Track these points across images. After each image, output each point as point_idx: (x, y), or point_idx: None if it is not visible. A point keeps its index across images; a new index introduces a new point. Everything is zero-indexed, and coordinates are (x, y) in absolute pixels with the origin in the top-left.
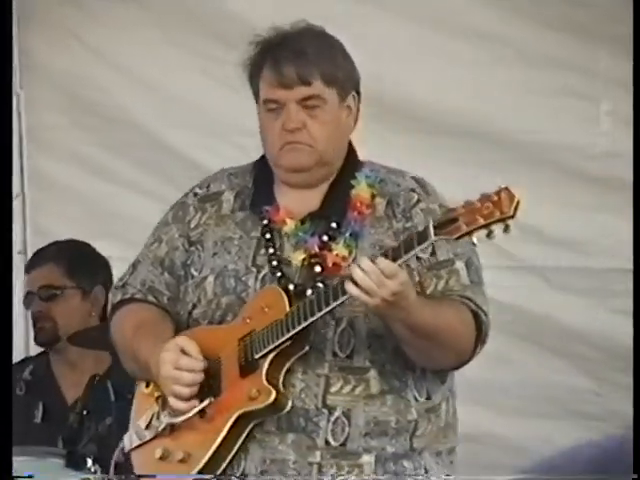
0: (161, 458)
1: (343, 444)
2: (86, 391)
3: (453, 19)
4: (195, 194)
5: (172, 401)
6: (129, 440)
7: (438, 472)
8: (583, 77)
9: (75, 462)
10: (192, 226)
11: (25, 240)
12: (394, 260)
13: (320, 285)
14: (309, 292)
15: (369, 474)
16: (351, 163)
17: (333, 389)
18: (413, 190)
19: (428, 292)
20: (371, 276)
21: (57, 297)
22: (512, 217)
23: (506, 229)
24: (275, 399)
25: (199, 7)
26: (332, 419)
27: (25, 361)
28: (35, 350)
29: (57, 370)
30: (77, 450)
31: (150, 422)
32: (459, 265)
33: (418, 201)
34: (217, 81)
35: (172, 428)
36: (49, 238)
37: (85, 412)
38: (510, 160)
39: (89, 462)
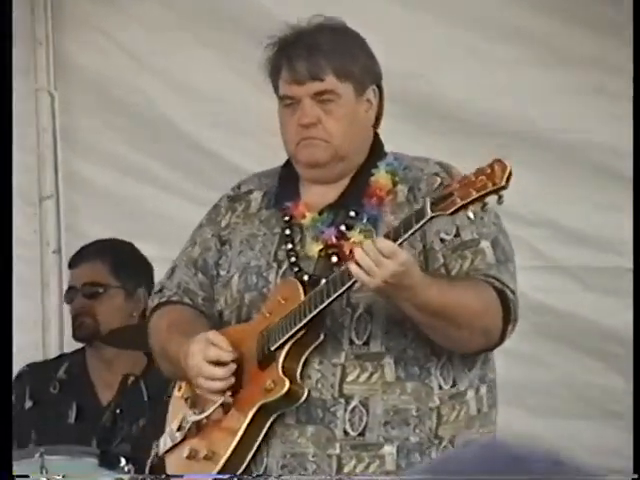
0: (188, 457)
1: (362, 434)
2: (119, 390)
3: (484, 18)
4: (228, 196)
5: (204, 394)
6: (163, 443)
7: None
8: (615, 75)
9: (108, 461)
10: (223, 226)
11: (59, 240)
12: (394, 240)
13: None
14: (323, 282)
15: (391, 466)
16: (375, 156)
17: (349, 378)
18: (437, 174)
19: (453, 273)
20: (370, 255)
21: (101, 295)
22: (504, 188)
23: (499, 200)
24: (289, 389)
25: (230, 5)
26: (349, 408)
27: (61, 358)
28: (69, 348)
29: (92, 369)
30: (110, 449)
31: (181, 424)
32: (484, 244)
33: (441, 185)
34: (249, 80)
35: (198, 427)
36: (83, 238)
37: (118, 411)
38: (541, 159)
39: (122, 461)
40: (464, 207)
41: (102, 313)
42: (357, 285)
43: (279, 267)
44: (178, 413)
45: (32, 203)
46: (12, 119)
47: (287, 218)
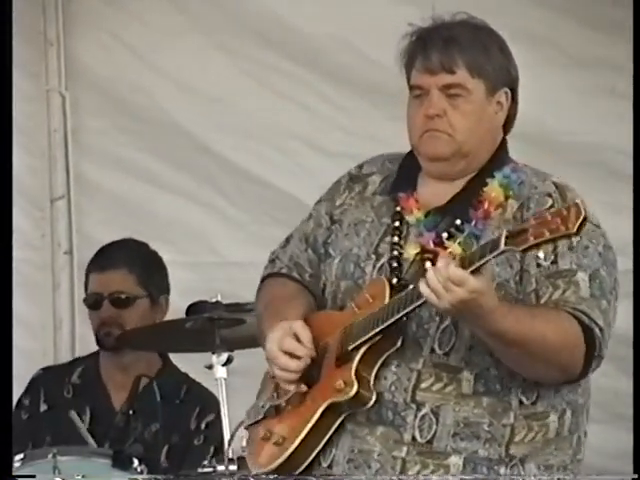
0: (263, 438)
1: (430, 442)
2: (132, 392)
3: (498, 21)
4: (349, 174)
5: (279, 381)
6: (248, 416)
7: None
8: (625, 77)
9: (121, 462)
10: (337, 204)
11: (71, 241)
12: (466, 267)
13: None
14: (409, 288)
15: (455, 475)
16: (496, 161)
17: (424, 385)
18: (549, 195)
19: (542, 301)
20: (439, 279)
21: (128, 305)
22: (576, 234)
23: (570, 246)
24: (357, 393)
25: (241, 10)
26: (420, 415)
27: (75, 362)
28: (81, 348)
29: (106, 373)
30: (123, 450)
31: (265, 403)
32: (580, 276)
33: (551, 207)
34: (260, 84)
35: (277, 410)
36: (91, 241)
37: (131, 412)
38: (555, 161)
39: (135, 462)
40: (536, 246)
41: (129, 322)
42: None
43: (377, 260)
44: (267, 390)
45: (41, 207)
46: (12, 121)
47: (399, 208)
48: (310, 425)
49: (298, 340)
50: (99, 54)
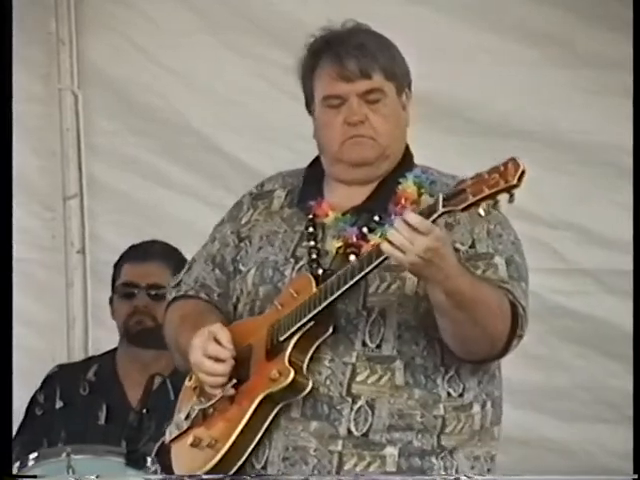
0: (192, 445)
1: (365, 434)
2: (146, 391)
3: (504, 18)
4: (250, 193)
5: (206, 387)
6: (169, 432)
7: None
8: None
9: (135, 461)
10: (243, 222)
11: (84, 240)
12: (428, 217)
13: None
14: (336, 275)
15: (392, 467)
16: (405, 164)
17: (359, 378)
18: None
19: None
20: (403, 233)
21: (164, 298)
22: (516, 186)
23: (511, 198)
24: (293, 379)
25: (253, 10)
26: (355, 408)
27: (90, 359)
28: (94, 346)
29: (122, 370)
30: (137, 449)
31: (189, 413)
32: (498, 260)
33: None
34: (272, 84)
35: (205, 416)
36: (102, 241)
37: (145, 411)
38: (563, 161)
39: (149, 461)
40: (475, 204)
41: (161, 315)
42: (372, 288)
43: (296, 262)
44: (187, 402)
45: (52, 207)
46: (12, 121)
47: (310, 216)
48: (245, 420)
49: (219, 343)
50: (110, 54)
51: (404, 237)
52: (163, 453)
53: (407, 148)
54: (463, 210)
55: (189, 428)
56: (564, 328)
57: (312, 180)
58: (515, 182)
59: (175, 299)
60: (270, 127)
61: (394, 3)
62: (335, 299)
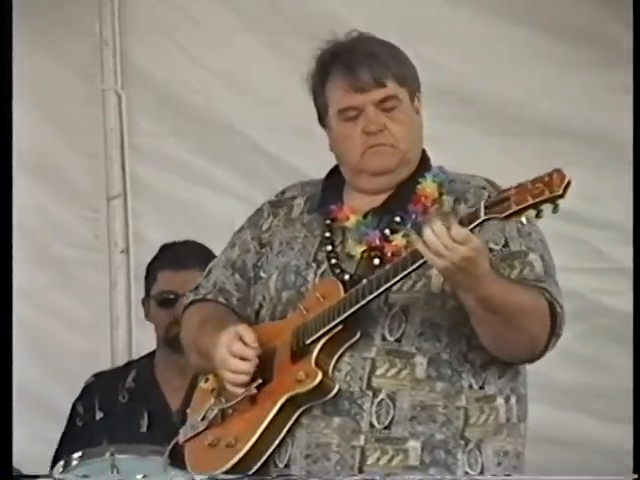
0: (210, 445)
1: (388, 427)
2: (189, 390)
3: (544, 17)
4: (270, 201)
5: (228, 386)
6: (183, 432)
7: (496, 474)
8: None
9: (178, 461)
10: (264, 229)
11: (127, 240)
12: (466, 226)
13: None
14: (365, 280)
15: (415, 461)
16: (423, 167)
17: (378, 372)
18: (483, 188)
19: None
20: (441, 239)
21: None
22: (561, 197)
23: (555, 209)
24: (320, 381)
25: (296, 10)
26: (376, 401)
27: (128, 366)
28: (137, 348)
29: (161, 375)
30: (180, 449)
31: (205, 414)
32: (533, 257)
33: (489, 197)
34: None
35: (223, 417)
36: (145, 241)
37: (188, 410)
38: (602, 160)
39: (169, 452)
40: (518, 212)
41: None
42: (397, 286)
43: (318, 267)
44: (203, 404)
45: (94, 208)
46: (12, 124)
47: (329, 221)
48: (267, 421)
49: (245, 343)
50: (153, 54)
51: (442, 243)
52: (176, 454)
53: (423, 152)
54: (505, 218)
55: (206, 428)
56: (604, 327)
57: (332, 187)
58: (561, 192)
59: (193, 302)
60: (310, 127)
61: (434, 3)
62: (365, 303)
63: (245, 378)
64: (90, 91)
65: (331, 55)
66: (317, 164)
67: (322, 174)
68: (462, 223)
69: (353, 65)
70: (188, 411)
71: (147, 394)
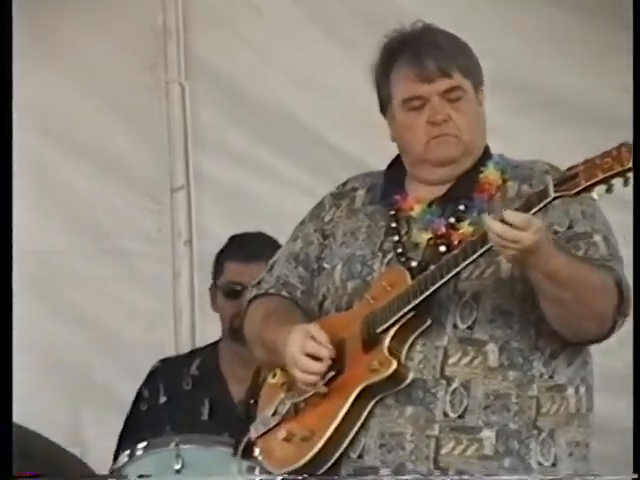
0: (285, 439)
1: (462, 416)
2: (253, 381)
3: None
4: (332, 193)
5: (299, 384)
6: (255, 429)
7: (568, 466)
8: None
9: (242, 451)
10: (326, 220)
11: (190, 231)
12: (526, 211)
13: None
14: (433, 267)
15: (489, 450)
16: (483, 158)
17: (451, 360)
18: (546, 172)
19: None
20: (506, 227)
21: None
22: (631, 170)
23: (626, 182)
24: (395, 370)
25: (361, 1)
26: (450, 390)
27: (193, 353)
28: (201, 339)
29: (225, 365)
30: (243, 439)
31: (276, 409)
32: (597, 239)
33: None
34: None
35: (296, 411)
36: (208, 232)
37: (252, 401)
38: None
39: (256, 451)
40: (588, 188)
41: None
42: (466, 273)
43: (384, 256)
44: (273, 399)
45: (158, 200)
46: (12, 121)
47: (392, 212)
48: (342, 413)
49: (318, 342)
50: (217, 46)
51: (507, 231)
52: (248, 450)
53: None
54: (575, 195)
55: (278, 423)
56: None
57: (393, 178)
58: (630, 165)
59: (256, 297)
60: (375, 119)
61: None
62: (435, 290)
63: (316, 379)
64: (154, 83)
65: (397, 45)
66: (380, 156)
67: (385, 166)
68: (531, 202)
69: (419, 55)
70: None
71: (210, 383)
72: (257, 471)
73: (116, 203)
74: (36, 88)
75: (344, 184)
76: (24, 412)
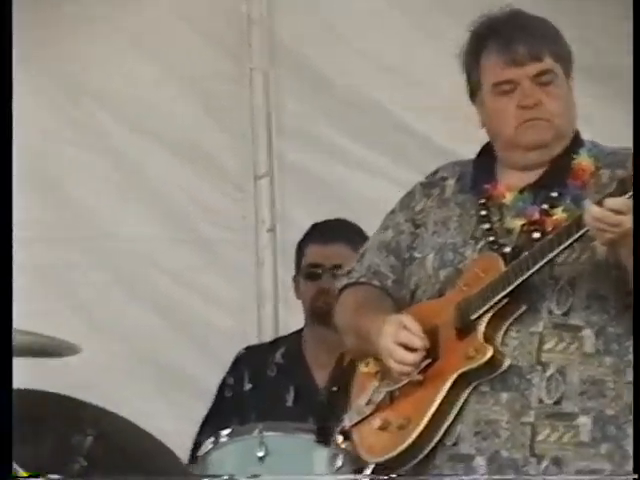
0: (380, 428)
1: (558, 403)
2: (336, 367)
3: None
4: (421, 183)
5: (394, 373)
6: (349, 418)
7: None
8: None
9: (325, 438)
10: (417, 210)
11: (274, 218)
12: (623, 194)
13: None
14: (526, 253)
15: (586, 437)
16: (576, 144)
17: (547, 346)
18: None
19: None
20: (609, 219)
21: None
22: None
23: None
24: (492, 356)
25: None
26: (546, 376)
27: (277, 341)
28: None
29: (309, 352)
30: (327, 426)
31: (370, 398)
32: None
33: None
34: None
35: (391, 399)
36: (291, 220)
37: (335, 388)
38: None
39: (339, 438)
40: None
41: None
42: (561, 258)
43: (476, 244)
44: (366, 388)
45: (242, 188)
46: (12, 120)
47: (483, 200)
48: (438, 400)
49: (411, 333)
50: (301, 34)
51: (608, 216)
52: (344, 438)
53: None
54: None
55: (373, 412)
56: None
57: (483, 166)
58: None
59: (347, 286)
60: (459, 107)
61: None
62: (529, 275)
63: (410, 369)
64: (238, 71)
65: (487, 29)
66: (465, 144)
67: (471, 154)
68: (626, 186)
69: (510, 39)
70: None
71: (294, 370)
72: (340, 460)
73: (199, 191)
74: (122, 77)
75: (433, 173)
76: (115, 400)
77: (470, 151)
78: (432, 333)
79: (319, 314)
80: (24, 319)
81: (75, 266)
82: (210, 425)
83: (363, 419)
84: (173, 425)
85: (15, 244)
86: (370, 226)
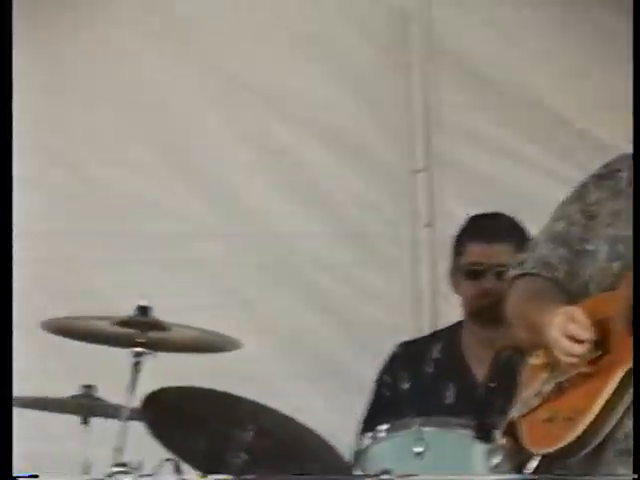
0: (547, 420)
1: None
2: (493, 363)
3: None
4: (594, 174)
5: (563, 365)
6: (517, 410)
7: None
8: None
9: (484, 434)
10: (589, 202)
11: (432, 213)
12: None
13: None
14: None
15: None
16: None
17: None
18: None
19: None
20: None
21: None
22: None
23: None
24: None
25: None
26: None
27: (434, 336)
28: (442, 324)
29: (467, 348)
30: (486, 422)
31: (539, 389)
32: None
33: None
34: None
35: (560, 390)
36: (448, 214)
37: (493, 384)
38: None
39: (496, 434)
40: None
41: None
42: None
43: None
44: (534, 380)
45: (398, 182)
46: (12, 118)
47: None
48: (608, 394)
49: (579, 325)
50: (458, 27)
51: None
52: (509, 430)
53: None
54: None
55: (540, 404)
56: None
57: None
58: None
59: (517, 277)
60: (615, 99)
61: None
62: None
63: (577, 361)
64: (394, 65)
65: None
66: (625, 138)
67: (628, 146)
68: None
69: None
70: (495, 388)
71: (453, 365)
72: (499, 457)
73: (356, 186)
74: (281, 74)
75: (606, 165)
76: (273, 395)
77: (628, 143)
78: (603, 326)
79: (479, 313)
80: (188, 314)
81: (238, 264)
82: (368, 424)
83: (530, 411)
84: (331, 421)
85: (179, 240)
86: (529, 222)
